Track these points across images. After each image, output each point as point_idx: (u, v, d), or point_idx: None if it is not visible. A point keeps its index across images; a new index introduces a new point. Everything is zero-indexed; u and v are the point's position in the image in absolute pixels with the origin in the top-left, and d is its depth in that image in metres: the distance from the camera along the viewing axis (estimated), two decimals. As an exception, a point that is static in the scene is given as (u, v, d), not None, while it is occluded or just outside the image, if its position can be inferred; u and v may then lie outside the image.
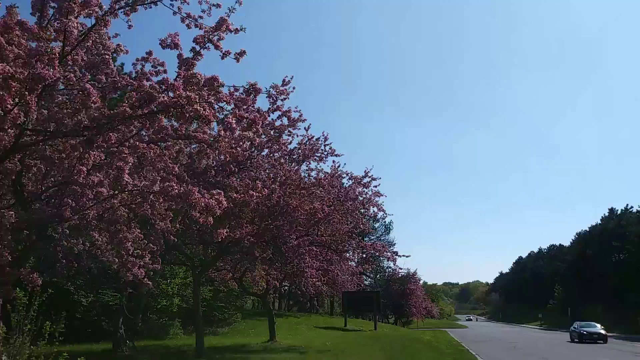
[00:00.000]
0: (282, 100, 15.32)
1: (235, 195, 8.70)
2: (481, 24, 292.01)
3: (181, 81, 4.94)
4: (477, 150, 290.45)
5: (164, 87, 4.88)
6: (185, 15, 5.72)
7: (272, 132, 14.30)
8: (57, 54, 4.66)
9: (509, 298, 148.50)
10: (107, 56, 5.17)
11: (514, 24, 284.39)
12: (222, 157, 13.31)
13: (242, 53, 5.60)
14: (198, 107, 4.57)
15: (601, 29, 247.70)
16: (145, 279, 7.91)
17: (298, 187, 14.29)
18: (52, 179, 6.92)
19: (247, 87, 5.03)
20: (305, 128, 19.16)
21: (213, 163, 13.67)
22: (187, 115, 4.60)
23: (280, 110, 15.15)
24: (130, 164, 5.49)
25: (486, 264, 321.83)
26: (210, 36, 5.42)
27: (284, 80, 15.58)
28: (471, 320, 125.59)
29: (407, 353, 19.05)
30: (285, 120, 15.07)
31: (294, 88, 15.61)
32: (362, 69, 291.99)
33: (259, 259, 13.43)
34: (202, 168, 13.07)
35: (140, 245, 8.68)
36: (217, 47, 5.46)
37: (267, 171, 15.61)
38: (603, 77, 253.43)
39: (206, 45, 5.44)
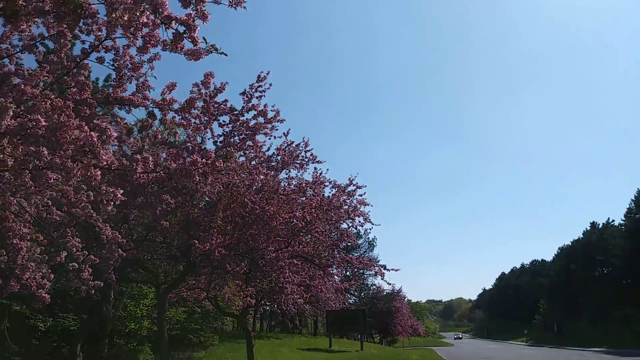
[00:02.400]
0: (257, 98, 14.04)
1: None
2: (448, 46, 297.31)
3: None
4: (459, 166, 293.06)
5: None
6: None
7: (245, 131, 12.84)
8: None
9: (493, 315, 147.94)
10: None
11: (478, 40, 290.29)
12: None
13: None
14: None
15: (580, 40, 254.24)
16: (41, 291, 6.20)
17: (276, 192, 12.82)
18: None
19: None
20: (284, 133, 17.82)
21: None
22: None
23: (255, 110, 13.80)
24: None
25: (469, 281, 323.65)
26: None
27: (259, 77, 14.23)
28: (460, 338, 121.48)
29: (397, 376, 17.49)
30: (261, 120, 13.73)
31: (270, 85, 14.36)
32: (339, 89, 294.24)
33: (231, 274, 11.87)
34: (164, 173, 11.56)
35: (78, 257, 7.09)
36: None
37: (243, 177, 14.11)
38: (583, 92, 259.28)
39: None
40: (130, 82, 5.27)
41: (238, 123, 13.51)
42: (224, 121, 13.39)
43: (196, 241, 11.80)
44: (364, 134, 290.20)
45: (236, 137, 13.56)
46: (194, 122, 6.94)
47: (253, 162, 14.96)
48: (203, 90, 13.63)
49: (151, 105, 4.82)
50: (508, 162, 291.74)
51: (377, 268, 19.66)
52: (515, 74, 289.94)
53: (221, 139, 13.41)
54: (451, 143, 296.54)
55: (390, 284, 49.26)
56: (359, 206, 17.25)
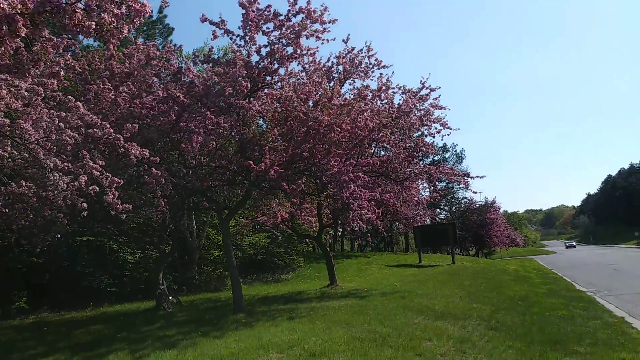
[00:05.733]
0: (305, -2, 12.41)
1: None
2: None
3: None
4: (557, 67, 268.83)
5: None
6: None
7: (289, 33, 11.41)
8: None
9: (599, 219, 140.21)
10: None
11: None
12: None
13: None
14: None
15: None
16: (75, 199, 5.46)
17: (330, 100, 11.48)
18: None
19: None
20: (343, 40, 16.17)
21: (226, 86, 11.07)
22: None
23: (302, 12, 12.23)
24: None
25: (571, 187, 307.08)
26: None
27: (307, -27, 12.55)
28: (574, 247, 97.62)
29: (489, 288, 16.28)
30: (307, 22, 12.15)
31: (321, -21, 12.59)
32: None
33: (288, 193, 10.96)
34: (202, 89, 10.60)
35: (101, 180, 6.45)
36: None
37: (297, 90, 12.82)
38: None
39: None
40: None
41: (284, 29, 12.12)
42: (267, 28, 12.07)
43: (251, 162, 10.97)
44: (452, 44, 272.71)
45: (285, 46, 12.18)
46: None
47: (316, 74, 13.66)
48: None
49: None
50: (611, 60, 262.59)
51: (460, 177, 18.10)
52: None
53: (267, 49, 12.15)
54: (549, 44, 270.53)
55: (475, 192, 46.65)
56: (432, 110, 15.45)
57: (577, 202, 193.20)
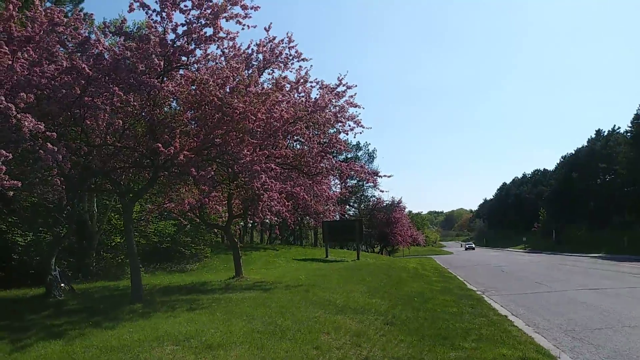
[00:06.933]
0: (226, -19, 12.06)
1: None
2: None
3: None
4: (462, 77, 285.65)
5: None
6: None
7: (208, 14, 11.05)
8: None
9: (492, 224, 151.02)
10: None
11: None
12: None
13: None
14: None
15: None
16: None
17: (247, 87, 11.29)
18: None
19: None
20: (265, 28, 15.94)
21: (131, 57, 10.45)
22: None
23: (221, -7, 11.87)
24: None
25: (471, 192, 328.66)
26: None
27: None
28: (473, 248, 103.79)
29: (389, 284, 16.92)
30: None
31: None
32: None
33: (196, 179, 10.62)
34: (111, 63, 9.95)
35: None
36: None
37: (214, 75, 12.47)
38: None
39: None
40: None
41: (203, 8, 11.70)
42: (185, 6, 11.59)
43: (160, 145, 10.50)
44: (363, 41, 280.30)
45: (205, 26, 11.78)
46: None
47: (235, 59, 13.34)
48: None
49: None
50: (514, 71, 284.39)
51: (368, 175, 18.59)
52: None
53: (184, 28, 11.68)
54: (454, 53, 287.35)
55: (383, 191, 48.30)
56: (346, 107, 15.74)
57: (475, 207, 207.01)
